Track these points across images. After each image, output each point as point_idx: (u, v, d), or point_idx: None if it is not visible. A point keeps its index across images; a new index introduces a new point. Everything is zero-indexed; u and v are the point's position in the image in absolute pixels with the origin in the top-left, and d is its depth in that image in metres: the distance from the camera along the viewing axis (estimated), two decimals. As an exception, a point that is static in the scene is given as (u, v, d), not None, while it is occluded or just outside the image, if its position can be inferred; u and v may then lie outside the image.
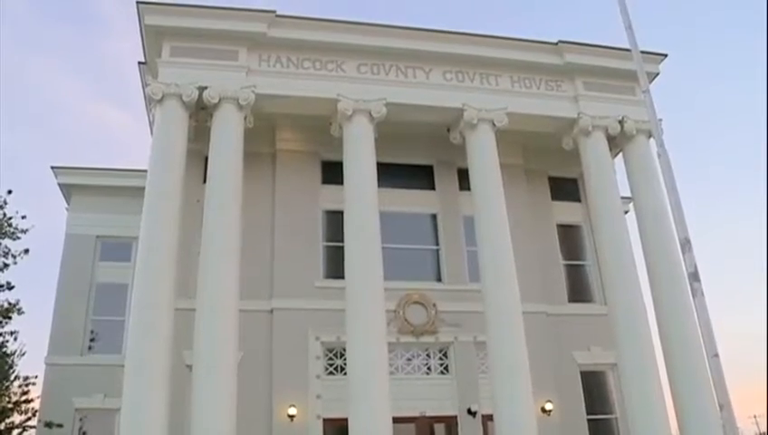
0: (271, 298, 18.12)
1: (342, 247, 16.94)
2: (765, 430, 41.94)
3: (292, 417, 17.09)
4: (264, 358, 17.49)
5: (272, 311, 18.02)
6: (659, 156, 9.50)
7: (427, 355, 18.98)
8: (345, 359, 16.57)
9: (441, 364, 18.98)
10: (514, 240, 17.46)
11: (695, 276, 7.99)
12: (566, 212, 21.81)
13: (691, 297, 8.16)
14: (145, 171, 17.18)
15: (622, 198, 19.52)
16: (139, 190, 17.08)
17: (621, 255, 17.78)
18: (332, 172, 19.03)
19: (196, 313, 15.29)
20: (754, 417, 64.54)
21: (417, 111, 18.59)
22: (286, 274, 18.40)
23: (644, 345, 16.88)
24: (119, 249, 22.49)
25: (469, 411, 18.21)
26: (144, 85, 18.49)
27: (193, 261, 16.59)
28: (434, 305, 18.70)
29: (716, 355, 7.51)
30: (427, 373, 18.89)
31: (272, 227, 18.93)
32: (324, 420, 17.41)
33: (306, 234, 19.01)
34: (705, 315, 7.76)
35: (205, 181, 16.95)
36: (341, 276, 16.72)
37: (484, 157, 18.09)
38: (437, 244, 20.12)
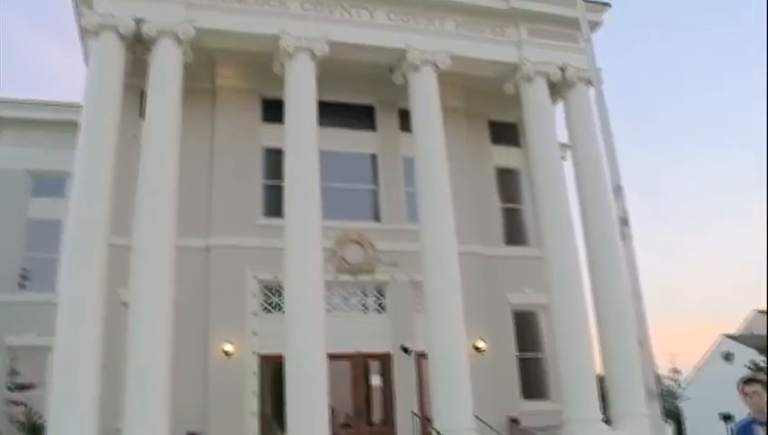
0: (208, 236, 18.03)
1: (282, 186, 16.91)
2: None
3: (228, 354, 17.22)
4: (200, 295, 17.47)
5: (209, 248, 17.95)
6: (597, 104, 9.68)
7: (364, 294, 19.27)
8: (282, 296, 16.71)
9: (377, 303, 19.31)
10: (453, 182, 17.68)
11: (624, 222, 8.23)
12: (505, 156, 22.10)
13: (620, 242, 8.44)
14: (79, 105, 16.72)
15: (560, 144, 19.89)
16: (74, 125, 16.63)
17: (557, 200, 18.22)
18: (273, 110, 18.80)
19: (131, 249, 15.13)
20: (671, 353, 67.45)
21: (360, 50, 18.43)
22: (224, 211, 18.30)
23: (574, 287, 17.49)
24: (52, 185, 21.88)
25: (404, 349, 18.64)
26: (78, 15, 17.80)
27: (129, 197, 16.30)
28: (371, 245, 18.88)
29: (639, 296, 7.84)
30: (364, 312, 19.21)
31: (210, 165, 18.72)
32: (261, 356, 17.61)
33: (245, 172, 18.87)
34: (632, 259, 8.04)
35: (142, 116, 16.58)
36: (280, 215, 16.72)
37: (425, 99, 18.12)
38: (376, 184, 20.24)
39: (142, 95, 16.93)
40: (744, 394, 5.58)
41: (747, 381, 5.65)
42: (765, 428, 5.34)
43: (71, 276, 14.53)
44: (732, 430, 23.50)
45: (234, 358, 17.26)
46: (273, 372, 17.13)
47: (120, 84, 16.33)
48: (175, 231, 15.45)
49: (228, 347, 17.24)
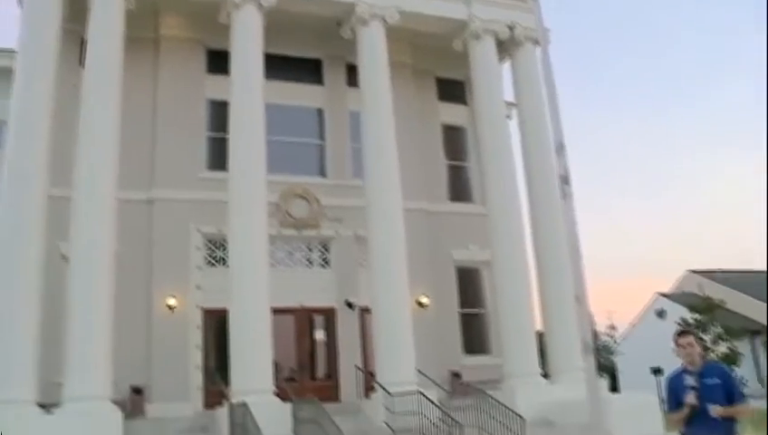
0: (151, 188, 17.76)
1: (227, 139, 16.69)
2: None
3: (171, 308, 17.13)
4: (143, 249, 17.26)
5: (152, 201, 17.71)
6: (543, 63, 9.76)
7: (308, 248, 19.30)
8: (226, 250, 16.62)
9: (322, 258, 19.38)
10: (399, 138, 17.67)
11: (565, 180, 8.39)
12: (451, 113, 22.18)
13: (561, 199, 8.61)
14: (14, 51, 16.11)
15: (506, 103, 20.04)
16: (8, 71, 16.05)
17: (502, 157, 18.41)
18: (218, 61, 18.46)
19: (71, 201, 14.80)
20: (608, 311, 69.43)
21: (308, 2, 18.15)
22: (168, 164, 18.01)
23: (517, 244, 17.80)
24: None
25: (347, 304, 18.81)
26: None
27: (68, 147, 15.90)
28: (317, 200, 18.86)
29: (578, 253, 8.05)
30: (308, 266, 19.28)
31: (153, 116, 18.34)
32: (204, 310, 17.58)
33: (189, 124, 18.55)
34: (572, 216, 8.24)
35: (82, 65, 16.08)
36: (225, 168, 16.53)
37: (373, 53, 17.98)
38: (322, 138, 20.15)
39: (82, 43, 16.40)
40: (679, 345, 5.80)
41: (681, 333, 5.91)
42: (695, 376, 5.54)
43: (7, 228, 14.17)
44: (661, 383, 24.45)
45: (177, 312, 17.18)
46: (216, 326, 17.12)
47: (57, 29, 15.77)
48: (116, 183, 15.12)
49: (171, 301, 17.14)
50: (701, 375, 5.58)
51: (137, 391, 16.19)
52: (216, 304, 16.72)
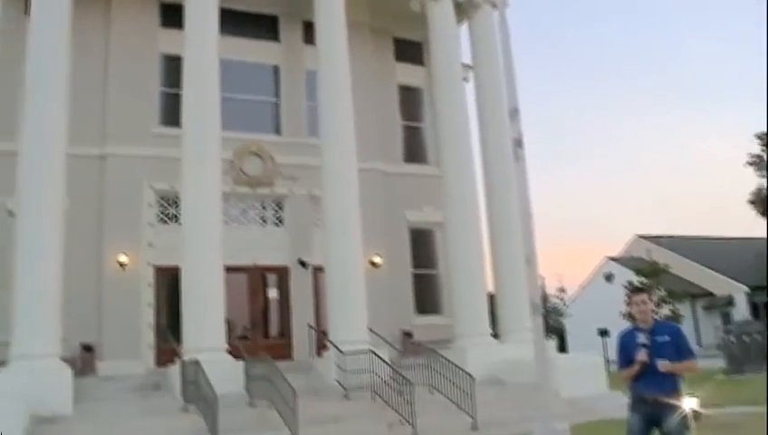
0: (103, 144, 17.44)
1: (180, 94, 16.39)
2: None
3: (123, 265, 16.97)
4: (94, 205, 17.02)
5: (104, 157, 17.39)
6: (500, 26, 9.78)
7: (263, 207, 19.23)
8: (179, 207, 16.44)
9: (276, 216, 19.33)
10: (355, 97, 17.54)
11: (518, 143, 8.49)
12: (408, 74, 22.12)
13: (514, 162, 8.71)
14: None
15: (463, 65, 20.03)
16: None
17: (457, 120, 18.47)
18: (172, 15, 17.97)
19: (19, 155, 14.44)
20: (558, 274, 70.66)
21: (265, -44, 17.81)
22: (120, 119, 17.66)
23: (470, 206, 17.98)
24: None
25: (301, 262, 18.84)
26: None
27: (15, 99, 15.47)
28: (271, 158, 18.73)
29: (529, 216, 8.19)
30: (262, 225, 19.22)
31: (105, 70, 17.95)
32: (156, 268, 17.46)
33: (142, 78, 18.18)
34: (524, 179, 8.35)
35: (27, 13, 15.53)
36: (178, 124, 16.22)
37: (331, 11, 17.72)
38: (278, 96, 19.95)
39: (28, -10, 15.85)
40: (633, 303, 5.94)
41: (636, 290, 6.11)
42: (647, 334, 5.67)
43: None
44: (607, 344, 25.13)
45: (129, 269, 17.02)
46: (169, 284, 17.02)
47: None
48: (66, 138, 14.76)
49: (123, 258, 16.97)
50: (652, 333, 5.71)
51: (87, 348, 16.06)
52: (168, 262, 16.60)
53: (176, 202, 17.35)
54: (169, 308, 16.95)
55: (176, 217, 17.49)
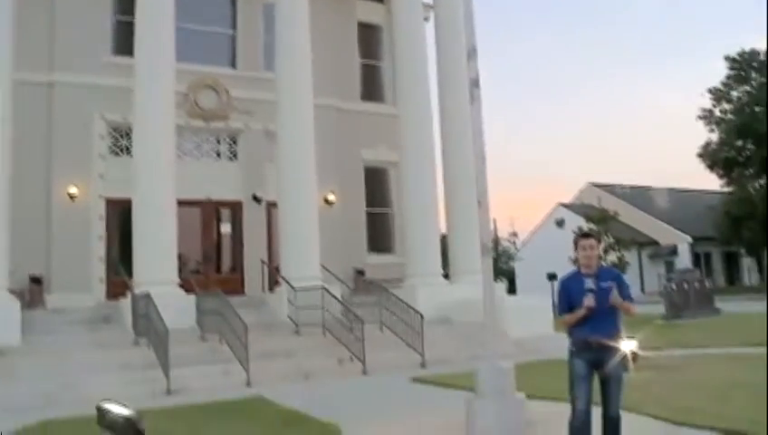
0: (52, 71, 16.86)
1: (134, 23, 15.89)
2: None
3: (72, 197, 16.69)
4: (42, 135, 16.60)
5: (52, 85, 16.86)
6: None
7: (217, 141, 19.02)
8: (131, 139, 16.12)
9: (230, 151, 19.14)
10: (313, 33, 17.23)
11: (475, 83, 8.49)
12: (368, 11, 21.80)
13: (470, 104, 8.72)
14: None
15: (424, 4, 19.77)
16: None
17: (416, 59, 18.32)
18: (124, -62, 17.38)
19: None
20: (511, 217, 71.51)
21: None
22: (70, 46, 17.05)
23: (426, 147, 17.99)
24: None
25: (254, 198, 18.76)
26: None
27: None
28: (226, 91, 18.44)
29: (482, 157, 8.25)
30: (216, 159, 19.03)
31: (53, -7, 17.25)
32: (107, 200, 17.21)
33: (94, 4, 17.52)
34: (478, 120, 8.38)
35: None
36: (132, 54, 15.75)
37: (290, -57, 17.29)
38: (234, 29, 19.51)
39: None
40: (580, 247, 5.77)
41: (584, 235, 5.89)
42: (593, 278, 5.58)
43: None
44: (555, 288, 25.65)
45: (79, 201, 16.74)
46: (120, 217, 16.80)
47: None
48: (11, 62, 14.25)
49: (73, 190, 16.68)
50: (597, 278, 5.63)
51: (36, 280, 15.88)
52: (120, 195, 16.35)
53: (128, 134, 16.98)
54: (121, 241, 16.77)
55: (128, 149, 17.15)
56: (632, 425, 6.94)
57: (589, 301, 5.47)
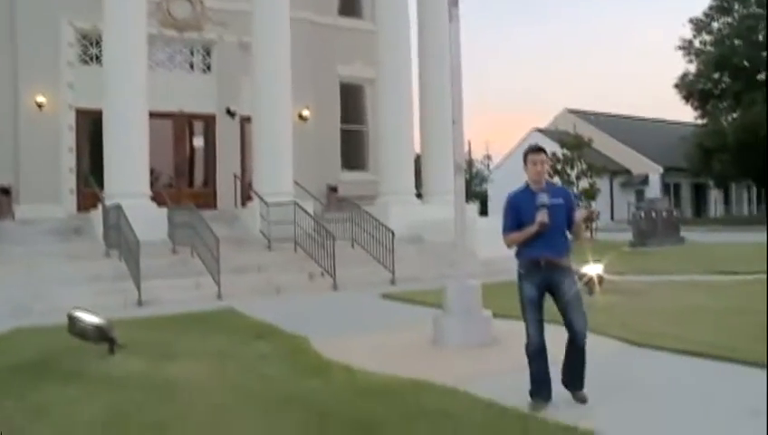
0: (15, -26, 16.26)
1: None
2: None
3: (40, 105, 16.35)
4: (7, 42, 16.14)
5: (17, -12, 16.27)
6: None
7: (190, 52, 18.62)
8: (101, 48, 15.69)
9: (204, 62, 18.77)
10: (291, -57, 16.73)
11: (454, 2, 8.35)
12: (347, -76, 21.13)
13: (448, 22, 8.59)
14: None
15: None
16: None
17: (395, -27, 17.86)
18: None
19: None
20: (486, 141, 71.49)
21: None
22: (35, -53, 16.39)
23: (403, 64, 17.70)
24: None
25: (228, 112, 18.51)
26: None
27: None
28: (200, 1, 17.93)
29: (458, 76, 8.18)
30: (189, 71, 18.66)
31: None
32: (77, 110, 16.89)
33: None
34: (456, 39, 8.28)
35: None
36: (100, -43, 15.19)
37: None
38: (209, -66, 18.83)
39: None
40: (530, 162, 5.34)
41: (535, 149, 5.41)
42: (546, 194, 5.19)
43: None
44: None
45: (47, 111, 16.41)
46: (91, 128, 16.55)
47: None
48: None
49: (41, 99, 16.33)
50: (547, 194, 5.24)
51: (4, 191, 15.71)
52: (90, 105, 16.04)
53: (98, 42, 16.51)
54: (92, 153, 16.55)
55: (98, 57, 16.72)
56: (596, 346, 7.14)
57: (542, 216, 5.09)
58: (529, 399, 5.12)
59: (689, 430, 4.60)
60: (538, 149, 5.40)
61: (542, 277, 5.20)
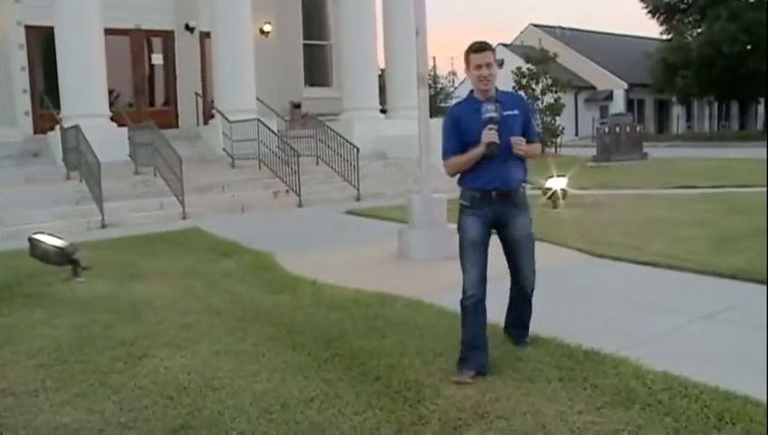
0: None
1: None
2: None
3: (-11, 23, 15.68)
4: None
5: None
6: None
7: (146, -34, 17.91)
8: (51, -39, 14.98)
9: (160, -24, 18.09)
10: None
11: None
12: None
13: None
14: None
15: None
16: None
17: None
18: None
19: None
20: (451, 58, 70.56)
21: None
22: None
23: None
24: None
25: (187, 27, 18.00)
26: None
27: None
28: None
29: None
30: (145, -16, 17.99)
31: None
32: (27, 27, 16.27)
33: None
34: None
35: None
36: None
37: None
38: None
39: None
40: (472, 65, 4.03)
41: (477, 48, 4.05)
42: (494, 105, 3.95)
43: None
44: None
45: (-5, 28, 15.77)
46: (44, 46, 15.94)
47: None
48: None
49: (-11, 15, 15.65)
50: (498, 105, 3.99)
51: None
52: (41, 22, 15.34)
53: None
54: (47, 72, 16.04)
55: (47, -30, 15.97)
56: (556, 256, 7.30)
57: (490, 135, 3.90)
58: (456, 369, 3.99)
59: (636, 331, 4.73)
60: (482, 48, 4.04)
61: (491, 212, 4.10)
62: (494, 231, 4.18)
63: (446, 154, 4.16)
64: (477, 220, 4.10)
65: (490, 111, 3.93)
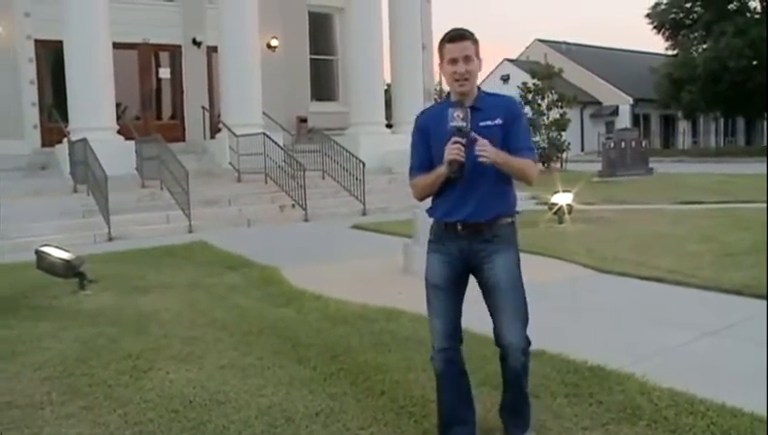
0: None
1: None
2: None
3: (-4, 36, 15.80)
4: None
5: None
6: None
7: (154, -20, 18.05)
8: (58, -25, 15.11)
9: (168, -9, 18.24)
10: None
11: (425, -75, 8.19)
12: None
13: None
14: None
15: None
16: None
17: None
18: None
19: None
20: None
21: None
22: None
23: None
24: None
25: (194, 42, 18.10)
26: None
27: None
28: (163, -73, 17.33)
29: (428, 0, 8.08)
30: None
31: None
32: (36, 41, 16.38)
33: None
34: (427, -35, 8.17)
35: None
36: None
37: None
38: None
39: None
40: (446, 59, 3.03)
41: (452, 37, 3.04)
42: (465, 111, 2.89)
43: None
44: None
45: (4, 42, 15.88)
46: (53, 60, 16.08)
47: None
48: None
49: (-4, 29, 15.76)
50: (474, 112, 2.95)
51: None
52: (51, 36, 15.49)
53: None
54: (55, 86, 16.16)
55: (56, -15, 16.10)
56: (562, 271, 7.29)
57: (452, 151, 2.88)
58: None
59: (642, 347, 4.72)
60: (459, 36, 3.04)
61: (457, 250, 3.11)
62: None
63: (411, 171, 3.24)
64: (440, 259, 3.17)
65: (456, 118, 2.89)
